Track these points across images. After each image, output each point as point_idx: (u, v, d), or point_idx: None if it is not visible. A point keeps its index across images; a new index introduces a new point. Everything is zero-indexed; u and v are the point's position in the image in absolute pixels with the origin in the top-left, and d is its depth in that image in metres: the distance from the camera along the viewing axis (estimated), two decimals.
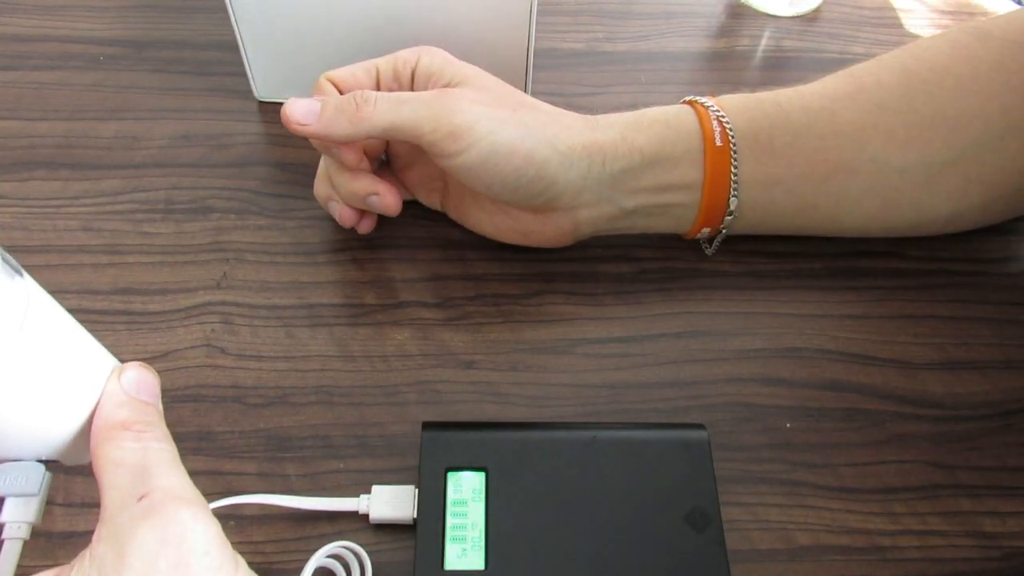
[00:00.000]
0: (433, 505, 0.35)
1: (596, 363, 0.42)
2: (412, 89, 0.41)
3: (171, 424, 0.40)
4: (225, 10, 0.48)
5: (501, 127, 0.39)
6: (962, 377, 0.43)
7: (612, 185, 0.41)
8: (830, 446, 0.40)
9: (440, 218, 0.47)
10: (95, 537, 0.24)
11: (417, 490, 0.36)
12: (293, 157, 0.50)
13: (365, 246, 0.46)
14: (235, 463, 0.38)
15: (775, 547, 0.37)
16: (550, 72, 0.56)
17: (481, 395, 0.41)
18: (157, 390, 0.28)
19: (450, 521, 0.35)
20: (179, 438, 0.38)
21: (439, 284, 0.45)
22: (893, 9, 0.64)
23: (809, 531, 0.38)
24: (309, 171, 0.49)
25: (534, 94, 0.53)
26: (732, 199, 0.42)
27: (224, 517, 0.37)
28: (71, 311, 0.27)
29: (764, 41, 0.61)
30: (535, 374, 0.42)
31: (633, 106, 0.44)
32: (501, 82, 0.42)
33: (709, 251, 0.46)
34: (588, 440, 0.37)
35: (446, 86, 0.40)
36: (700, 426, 0.38)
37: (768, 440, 0.40)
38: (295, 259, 0.45)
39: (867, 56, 0.59)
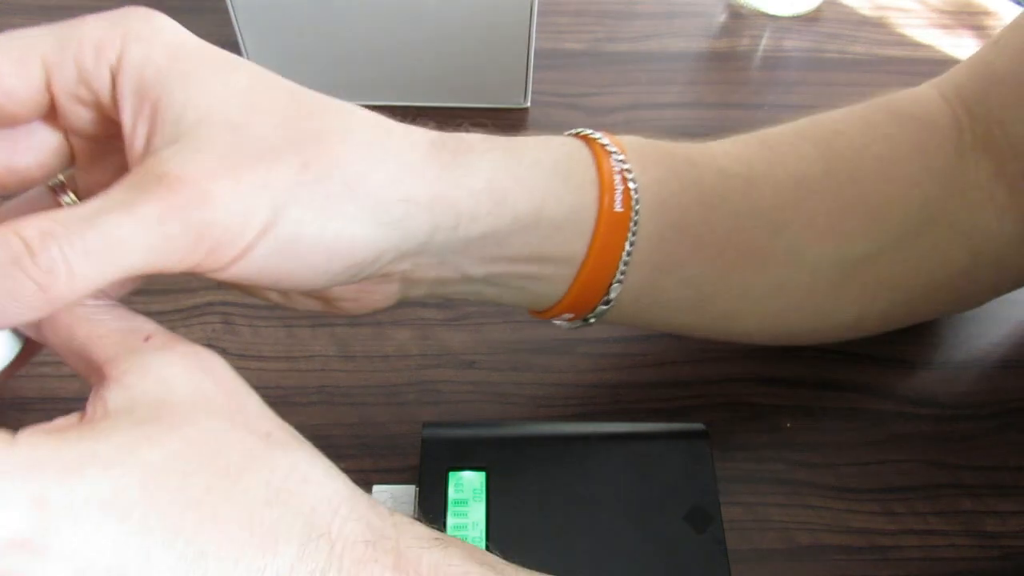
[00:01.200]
0: (434, 505, 0.35)
1: (596, 363, 0.42)
2: (111, 99, 0.25)
3: None
4: (226, 10, 0.48)
5: (284, 210, 0.24)
6: (962, 377, 0.43)
7: (462, 251, 0.29)
8: (830, 445, 0.40)
9: None
10: (109, 378, 0.23)
11: (418, 490, 0.36)
12: None
13: None
14: None
15: (775, 547, 0.37)
16: (550, 72, 0.56)
17: (481, 395, 0.41)
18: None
19: (451, 521, 0.35)
20: None
21: None
22: (893, 9, 0.64)
23: (809, 530, 0.38)
24: None
25: (534, 94, 0.53)
26: (615, 285, 0.32)
27: None
28: None
29: (764, 41, 0.61)
30: (535, 374, 0.42)
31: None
32: (271, 84, 0.25)
33: (564, 326, 0.36)
34: (588, 440, 0.37)
35: (173, 123, 0.24)
36: (700, 426, 0.38)
37: (768, 440, 0.40)
38: None
39: (867, 56, 0.59)
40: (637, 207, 0.31)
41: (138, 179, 0.23)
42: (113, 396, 0.22)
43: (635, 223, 0.31)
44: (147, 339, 0.24)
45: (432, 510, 0.35)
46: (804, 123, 0.37)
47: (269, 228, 0.24)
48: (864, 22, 0.62)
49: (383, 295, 0.31)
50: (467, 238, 0.28)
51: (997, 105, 0.37)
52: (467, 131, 0.30)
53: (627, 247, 0.31)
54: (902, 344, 0.44)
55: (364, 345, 0.42)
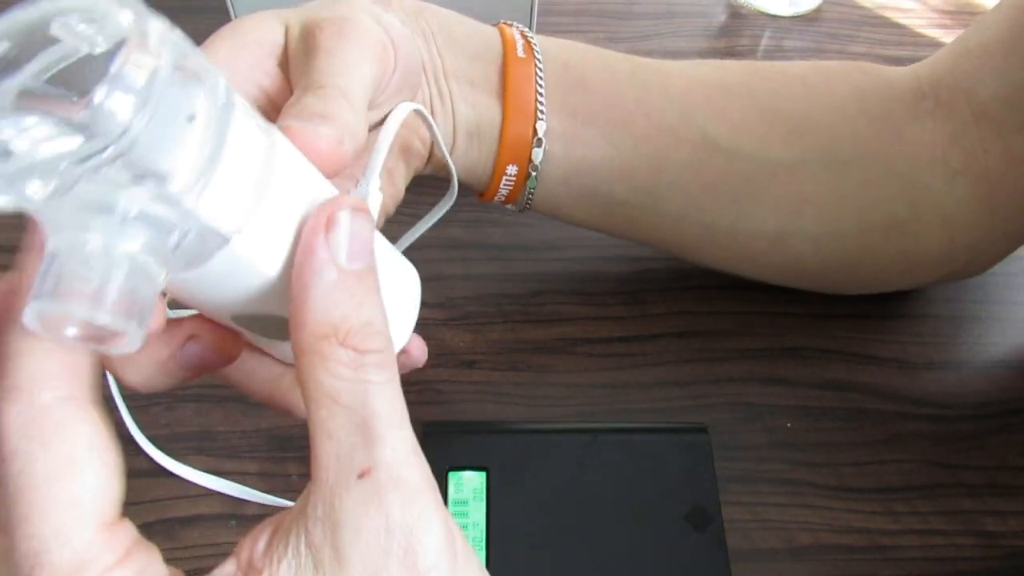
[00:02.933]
0: None
1: (596, 363, 0.42)
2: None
3: (172, 424, 0.40)
4: (226, 10, 0.48)
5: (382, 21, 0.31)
6: (962, 377, 0.43)
7: (430, 64, 0.35)
8: (831, 445, 0.40)
9: (442, 218, 0.47)
10: (310, 508, 0.20)
11: None
12: None
13: None
14: (237, 463, 0.38)
15: (776, 546, 0.37)
16: None
17: (482, 395, 0.41)
18: (372, 243, 0.22)
19: None
20: (180, 438, 0.38)
21: (440, 284, 0.45)
22: (893, 9, 0.64)
23: (810, 530, 0.38)
24: None
25: None
26: (540, 122, 0.35)
27: (226, 516, 0.37)
28: None
29: (764, 41, 0.61)
30: (535, 374, 0.42)
31: None
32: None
33: (514, 208, 0.39)
34: (589, 440, 0.37)
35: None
36: (701, 426, 0.38)
37: (769, 440, 0.40)
38: None
39: (867, 56, 0.59)
40: (539, 56, 0.36)
41: (302, 52, 0.28)
42: (303, 551, 0.20)
43: (540, 70, 0.36)
44: (362, 475, 0.20)
45: None
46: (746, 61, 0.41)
47: (389, 30, 0.30)
48: (864, 22, 0.62)
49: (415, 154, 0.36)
50: (426, 37, 0.34)
51: (964, 75, 0.39)
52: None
53: (538, 88, 0.35)
54: (902, 344, 0.44)
55: None
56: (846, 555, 0.37)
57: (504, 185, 0.37)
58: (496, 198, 0.38)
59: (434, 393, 0.41)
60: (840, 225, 0.39)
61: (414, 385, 0.41)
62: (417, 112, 0.31)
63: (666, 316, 0.44)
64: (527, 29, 0.37)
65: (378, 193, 0.26)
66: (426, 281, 0.45)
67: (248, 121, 0.20)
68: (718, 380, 0.42)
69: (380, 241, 0.26)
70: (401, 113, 0.29)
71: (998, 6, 0.39)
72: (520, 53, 0.35)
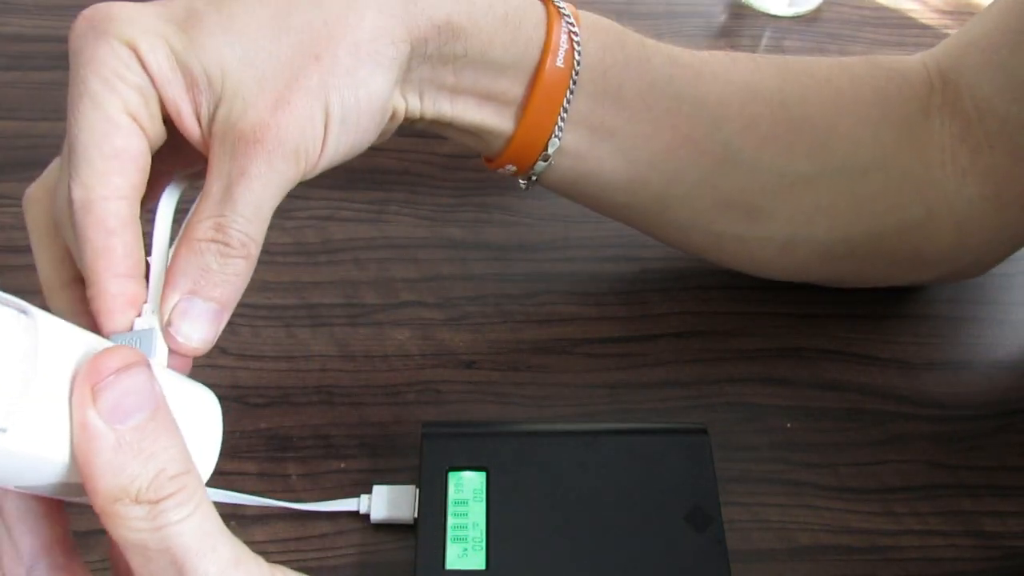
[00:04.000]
0: (434, 505, 0.35)
1: (596, 363, 0.42)
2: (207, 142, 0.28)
3: None
4: None
5: (329, 101, 0.29)
6: (962, 377, 0.43)
7: (430, 79, 0.33)
8: (830, 446, 0.40)
9: (442, 218, 0.47)
10: None
11: (418, 490, 0.36)
12: None
13: (365, 246, 0.46)
14: (236, 463, 0.38)
15: (776, 547, 0.37)
16: None
17: (481, 395, 0.41)
18: (151, 389, 0.22)
19: (451, 521, 0.35)
20: None
21: (440, 284, 0.45)
22: (893, 9, 0.64)
23: (810, 531, 0.38)
24: None
25: None
26: (553, 139, 0.35)
27: (226, 517, 0.36)
28: None
29: (764, 41, 0.61)
30: (535, 374, 0.42)
31: None
32: (243, 9, 0.29)
33: (523, 186, 0.38)
34: (589, 440, 0.37)
35: (205, 90, 0.28)
36: (701, 426, 0.38)
37: (768, 440, 0.40)
38: (295, 259, 0.45)
39: None
40: (578, 68, 0.34)
41: (225, 150, 0.27)
42: None
43: (574, 82, 0.34)
44: None
45: (432, 510, 0.35)
46: (776, 55, 0.40)
47: (328, 119, 0.29)
48: (864, 22, 0.62)
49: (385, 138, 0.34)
50: (433, 64, 0.32)
51: (967, 70, 0.39)
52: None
53: (565, 103, 0.34)
54: (902, 344, 0.44)
55: (364, 345, 0.42)
56: (845, 555, 0.37)
57: (502, 171, 0.37)
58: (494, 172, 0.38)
59: (434, 393, 0.41)
60: (851, 231, 0.39)
61: (414, 385, 0.41)
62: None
63: (666, 316, 0.44)
64: (576, 28, 0.34)
65: (153, 319, 0.26)
66: (426, 281, 0.46)
67: (6, 317, 0.20)
68: (718, 380, 0.42)
69: (166, 375, 0.25)
70: (169, 208, 0.29)
71: (999, 1, 0.39)
72: (559, 62, 0.33)
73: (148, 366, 0.22)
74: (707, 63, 0.37)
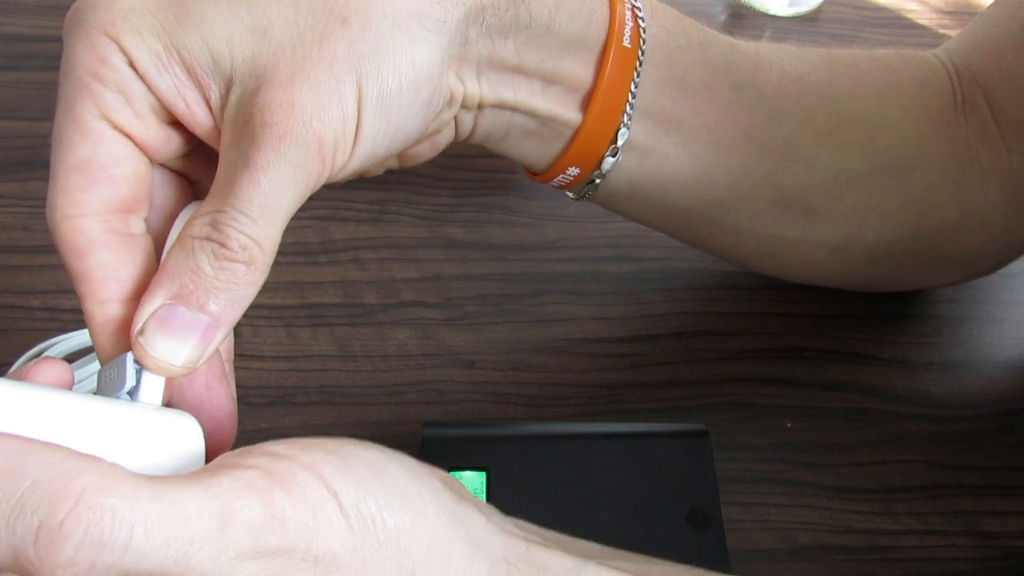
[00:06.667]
0: None
1: (596, 363, 0.42)
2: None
3: None
4: None
5: (362, 74, 0.24)
6: (962, 377, 0.43)
7: (490, 58, 0.29)
8: (831, 446, 0.40)
9: (442, 218, 0.47)
10: None
11: None
12: None
13: (366, 246, 0.46)
14: None
15: (776, 547, 0.37)
16: None
17: (482, 395, 0.41)
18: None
19: None
20: None
21: (440, 284, 0.45)
22: (893, 9, 0.64)
23: (810, 531, 0.38)
24: None
25: None
26: (622, 130, 0.31)
27: None
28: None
29: (764, 41, 0.61)
30: (535, 374, 0.42)
31: None
32: None
33: (575, 198, 0.36)
34: (589, 440, 0.37)
35: (214, 75, 0.24)
36: (701, 426, 0.38)
37: (769, 440, 0.40)
38: (295, 259, 0.45)
39: None
40: (644, 47, 0.31)
41: (235, 139, 0.23)
42: None
43: (640, 63, 0.31)
44: None
45: None
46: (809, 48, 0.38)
47: (362, 98, 0.24)
48: (864, 22, 0.62)
49: (446, 134, 0.31)
50: (492, 37, 0.28)
51: (979, 70, 0.38)
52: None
53: (632, 87, 0.31)
54: (902, 344, 0.44)
55: (364, 345, 0.42)
56: (846, 555, 0.37)
57: (558, 180, 0.34)
58: (547, 185, 0.35)
59: (434, 393, 0.41)
60: (898, 232, 0.38)
61: (414, 385, 0.41)
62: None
63: (666, 316, 0.44)
64: (638, 4, 0.31)
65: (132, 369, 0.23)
66: (426, 281, 0.46)
67: None
68: (718, 380, 0.42)
69: (130, 410, 0.22)
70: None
71: (1003, 1, 0.38)
72: (626, 42, 0.30)
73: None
74: (761, 52, 0.35)
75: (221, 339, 0.23)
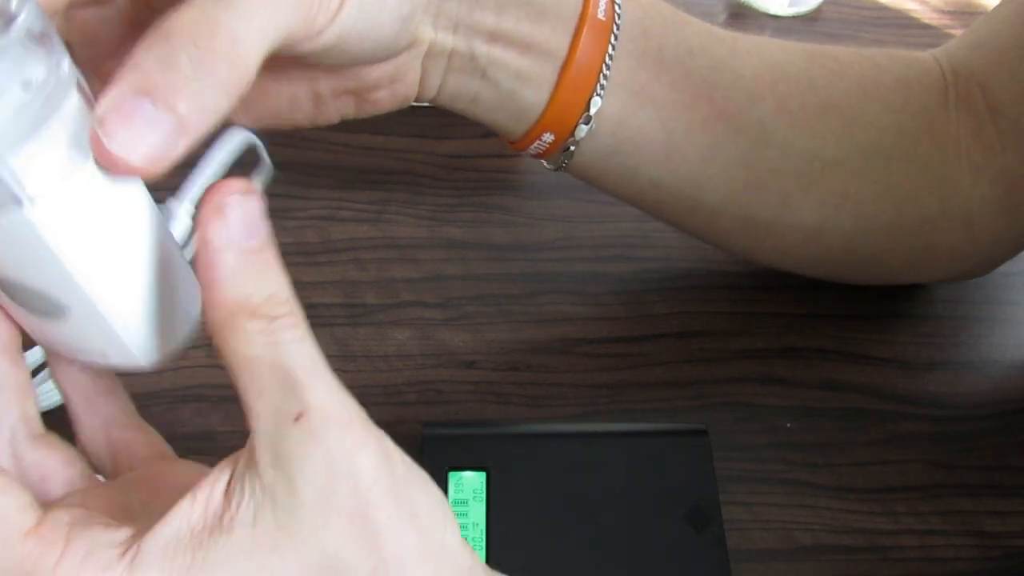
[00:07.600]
0: None
1: (596, 363, 0.42)
2: None
3: (172, 425, 0.40)
4: None
5: None
6: (962, 377, 0.43)
7: (468, 14, 0.31)
8: (830, 446, 0.40)
9: (442, 218, 0.47)
10: (257, 456, 0.22)
11: None
12: (293, 157, 0.50)
13: (365, 246, 0.46)
14: None
15: (776, 547, 0.37)
16: None
17: (482, 395, 0.41)
18: (262, 219, 0.22)
19: None
20: (180, 439, 0.38)
21: (440, 284, 0.45)
22: (893, 9, 0.64)
23: (810, 531, 0.38)
24: (309, 171, 0.49)
25: None
26: (594, 98, 0.33)
27: None
28: None
29: None
30: (535, 374, 0.42)
31: None
32: None
33: (547, 165, 0.37)
34: (589, 440, 0.37)
35: None
36: (700, 426, 0.38)
37: (768, 440, 0.40)
38: (295, 259, 0.45)
39: None
40: (619, 21, 0.33)
41: None
42: (258, 492, 0.22)
43: (615, 37, 0.33)
44: (298, 418, 0.21)
45: None
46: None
47: None
48: (864, 22, 0.62)
49: (409, 83, 0.32)
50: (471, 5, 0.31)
51: (979, 68, 0.39)
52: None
53: (607, 59, 0.33)
54: (902, 344, 0.44)
55: (364, 345, 0.42)
56: (846, 555, 0.37)
57: (535, 148, 0.35)
58: (524, 154, 0.37)
59: (434, 393, 0.41)
60: (875, 221, 0.39)
61: (414, 385, 0.41)
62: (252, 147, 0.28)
63: (666, 316, 0.44)
64: None
65: (187, 219, 0.26)
66: (426, 281, 0.46)
67: (82, 104, 0.20)
68: (718, 380, 0.42)
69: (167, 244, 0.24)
70: (232, 144, 0.27)
71: (1010, 1, 0.39)
72: (600, 15, 0.32)
73: (259, 199, 0.22)
74: (738, 40, 0.37)
75: (185, 146, 0.21)
